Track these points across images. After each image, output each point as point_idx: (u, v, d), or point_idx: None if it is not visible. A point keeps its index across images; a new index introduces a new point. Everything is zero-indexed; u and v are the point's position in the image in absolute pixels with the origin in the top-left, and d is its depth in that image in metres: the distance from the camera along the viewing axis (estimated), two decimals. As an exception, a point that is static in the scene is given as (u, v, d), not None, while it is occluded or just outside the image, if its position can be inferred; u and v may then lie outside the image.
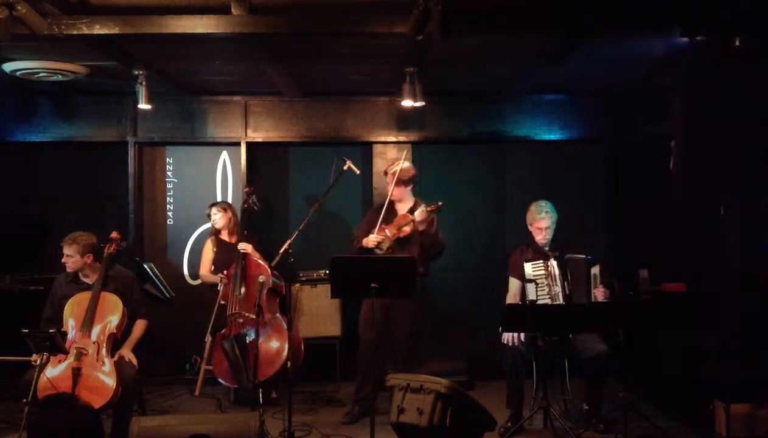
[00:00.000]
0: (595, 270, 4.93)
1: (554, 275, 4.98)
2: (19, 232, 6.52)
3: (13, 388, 4.46)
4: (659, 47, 5.01)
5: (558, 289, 4.95)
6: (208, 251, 5.90)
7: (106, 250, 4.82)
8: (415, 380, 4.10)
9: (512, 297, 5.18)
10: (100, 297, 4.61)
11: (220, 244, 5.86)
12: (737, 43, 4.40)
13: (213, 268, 5.81)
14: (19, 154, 6.62)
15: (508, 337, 4.86)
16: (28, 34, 3.94)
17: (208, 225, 6.20)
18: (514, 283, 5.20)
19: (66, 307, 4.61)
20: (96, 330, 4.52)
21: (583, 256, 4.96)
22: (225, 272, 5.54)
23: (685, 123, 5.59)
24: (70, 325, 4.55)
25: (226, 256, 5.71)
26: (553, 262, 4.99)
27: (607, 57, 5.33)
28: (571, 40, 4.80)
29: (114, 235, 4.93)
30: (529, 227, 5.17)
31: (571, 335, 4.87)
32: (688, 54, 4.94)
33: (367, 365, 5.12)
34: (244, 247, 5.54)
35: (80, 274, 4.79)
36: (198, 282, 6.46)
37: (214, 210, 5.88)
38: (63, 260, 4.74)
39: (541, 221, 5.07)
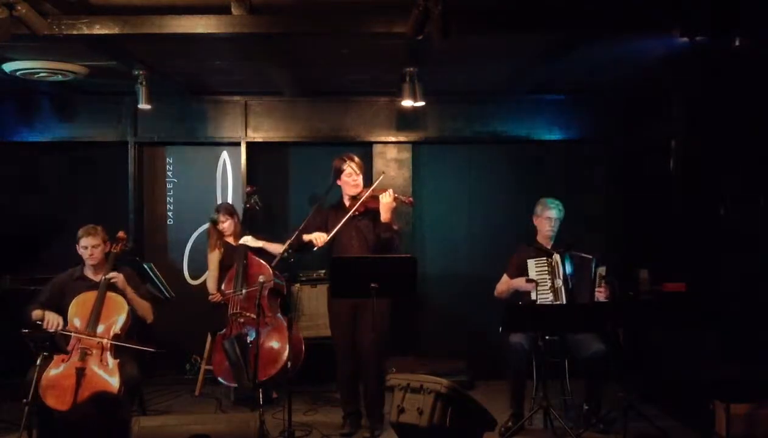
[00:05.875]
0: (602, 270, 4.91)
1: (557, 270, 4.96)
2: (19, 232, 6.52)
3: (13, 388, 4.45)
4: (659, 47, 5.01)
5: (560, 282, 4.93)
6: (215, 259, 5.75)
7: (112, 250, 4.82)
8: (415, 380, 4.10)
9: (502, 283, 5.22)
10: (106, 297, 4.60)
11: (226, 248, 5.75)
12: (737, 43, 4.39)
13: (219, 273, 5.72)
14: (19, 154, 6.62)
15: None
16: (28, 34, 3.94)
17: (207, 225, 6.11)
18: (505, 278, 5.24)
19: (71, 306, 4.59)
20: (101, 330, 4.51)
21: (590, 256, 4.94)
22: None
23: (685, 123, 5.61)
24: (75, 324, 4.54)
25: (234, 260, 5.61)
26: (557, 257, 4.97)
27: (607, 57, 5.32)
28: (571, 41, 4.81)
29: (121, 234, 4.92)
30: (536, 220, 5.16)
31: (569, 335, 4.87)
32: (688, 54, 4.95)
33: (349, 376, 4.94)
34: (244, 238, 5.50)
35: (87, 269, 4.77)
36: (198, 282, 6.49)
37: (222, 217, 5.73)
38: (88, 253, 4.69)
39: (551, 211, 5.08)
